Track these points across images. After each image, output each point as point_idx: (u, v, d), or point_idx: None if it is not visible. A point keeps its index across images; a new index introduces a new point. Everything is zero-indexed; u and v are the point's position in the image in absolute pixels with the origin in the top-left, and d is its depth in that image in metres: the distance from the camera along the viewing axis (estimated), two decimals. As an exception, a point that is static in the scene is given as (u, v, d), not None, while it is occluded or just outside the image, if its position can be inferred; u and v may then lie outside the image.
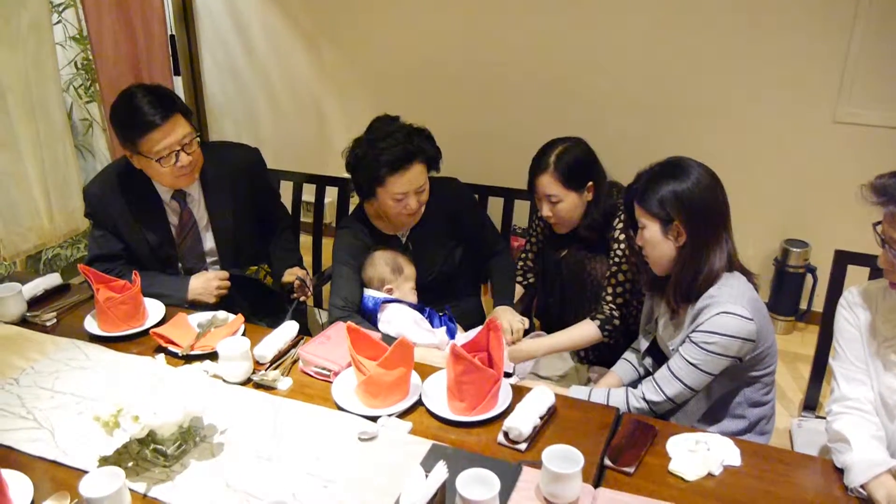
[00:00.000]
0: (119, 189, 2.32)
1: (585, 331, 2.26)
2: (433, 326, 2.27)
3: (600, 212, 2.30)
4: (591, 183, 2.26)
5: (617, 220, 2.28)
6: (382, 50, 4.11)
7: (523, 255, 2.66)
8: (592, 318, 2.26)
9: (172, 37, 4.30)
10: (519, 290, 2.58)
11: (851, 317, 1.68)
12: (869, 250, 2.06)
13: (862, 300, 1.68)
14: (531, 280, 2.64)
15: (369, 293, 2.31)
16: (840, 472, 1.52)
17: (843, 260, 2.14)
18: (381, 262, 2.33)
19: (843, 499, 1.47)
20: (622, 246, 2.25)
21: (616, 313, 2.26)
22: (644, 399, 1.87)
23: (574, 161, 2.23)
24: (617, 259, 2.26)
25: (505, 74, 3.83)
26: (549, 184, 2.24)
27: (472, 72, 3.91)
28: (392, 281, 2.32)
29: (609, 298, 2.27)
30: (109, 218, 2.33)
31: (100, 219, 2.35)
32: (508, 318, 2.31)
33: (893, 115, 3.17)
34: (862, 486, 1.45)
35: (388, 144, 2.19)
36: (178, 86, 4.39)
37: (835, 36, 3.17)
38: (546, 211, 2.29)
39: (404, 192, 2.22)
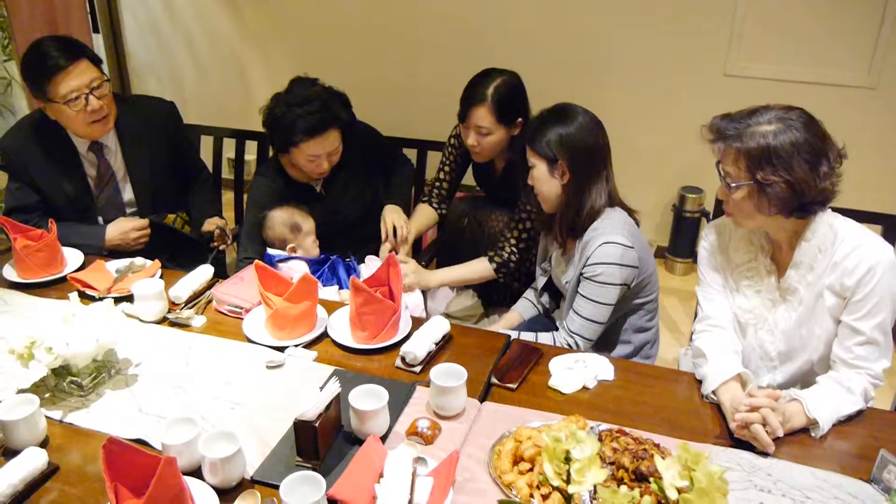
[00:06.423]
0: (34, 141, 2.35)
1: (479, 268, 2.38)
2: (337, 273, 2.36)
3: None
4: (520, 119, 2.35)
5: None
6: (303, 5, 4.14)
7: (437, 184, 2.67)
8: (490, 260, 2.38)
9: (90, -7, 4.24)
10: (431, 214, 2.66)
11: (709, 246, 1.85)
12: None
13: (717, 232, 1.85)
14: (444, 211, 2.69)
15: (270, 251, 2.37)
16: (700, 383, 1.70)
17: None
18: (278, 224, 2.36)
19: (699, 405, 1.65)
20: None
21: (514, 257, 2.37)
22: (567, 346, 1.99)
23: (510, 96, 2.30)
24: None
25: (422, 31, 3.91)
26: (483, 116, 2.29)
27: (389, 28, 3.98)
28: (293, 240, 2.36)
29: (513, 241, 2.38)
30: (25, 170, 2.36)
31: (15, 171, 2.38)
32: (394, 218, 2.40)
33: (780, 68, 3.37)
34: (714, 393, 1.63)
35: (305, 112, 2.23)
36: (98, 44, 4.34)
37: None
38: (472, 140, 2.35)
39: (317, 155, 2.30)
